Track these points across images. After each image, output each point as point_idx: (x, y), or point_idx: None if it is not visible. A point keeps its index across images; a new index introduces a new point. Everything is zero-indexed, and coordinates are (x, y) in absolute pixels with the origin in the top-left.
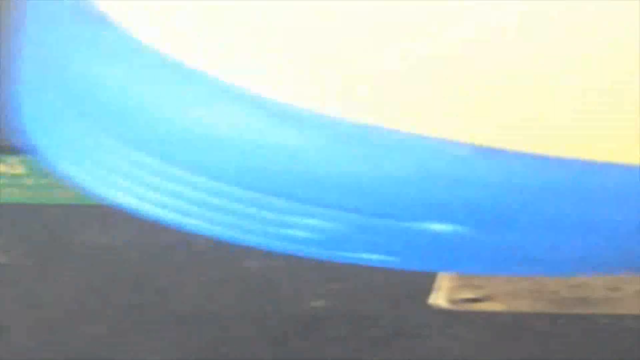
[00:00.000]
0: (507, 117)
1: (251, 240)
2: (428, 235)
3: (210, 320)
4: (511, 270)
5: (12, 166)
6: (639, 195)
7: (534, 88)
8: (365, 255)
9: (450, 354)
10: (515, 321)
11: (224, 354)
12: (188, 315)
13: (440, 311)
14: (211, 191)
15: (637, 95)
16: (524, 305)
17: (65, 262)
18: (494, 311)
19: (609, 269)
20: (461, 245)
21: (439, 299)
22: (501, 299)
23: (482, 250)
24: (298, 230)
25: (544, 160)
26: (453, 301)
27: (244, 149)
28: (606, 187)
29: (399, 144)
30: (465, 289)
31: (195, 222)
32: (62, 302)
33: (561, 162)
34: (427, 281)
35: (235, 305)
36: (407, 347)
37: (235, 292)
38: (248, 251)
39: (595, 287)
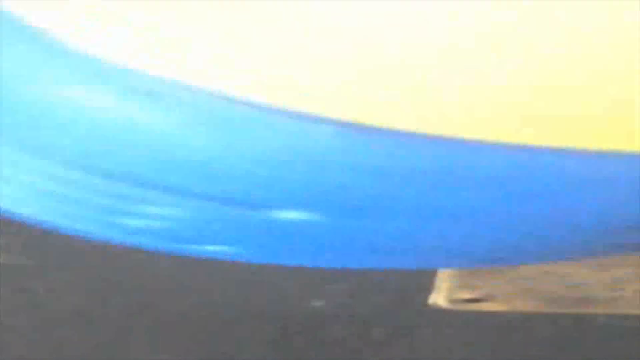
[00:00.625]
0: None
1: (88, 229)
2: (281, 224)
3: (210, 320)
4: (365, 263)
5: None
6: (515, 180)
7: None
8: (210, 248)
9: (450, 354)
10: (515, 321)
11: (224, 354)
12: (188, 315)
13: (440, 311)
14: (48, 175)
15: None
16: (524, 305)
17: (65, 262)
18: (494, 311)
19: (471, 261)
20: (316, 235)
21: (439, 299)
22: (501, 299)
23: (338, 240)
24: (139, 219)
25: (410, 138)
26: (453, 301)
27: (85, 125)
28: (481, 170)
29: (256, 118)
30: (465, 289)
31: (31, 210)
32: (62, 302)
33: (432, 141)
34: (427, 281)
35: (235, 305)
36: (407, 347)
37: (235, 292)
38: None
39: (595, 287)
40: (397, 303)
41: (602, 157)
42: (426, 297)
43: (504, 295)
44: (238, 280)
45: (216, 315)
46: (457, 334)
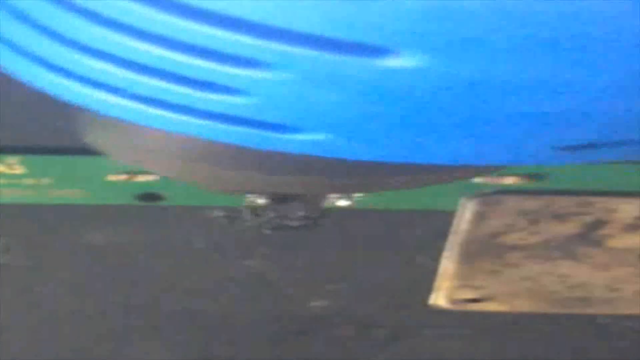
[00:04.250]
0: None
1: None
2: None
3: (211, 320)
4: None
5: (12, 166)
6: None
7: None
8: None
9: (450, 354)
10: (515, 321)
11: (224, 354)
12: (188, 315)
13: (440, 311)
14: None
15: None
16: (524, 305)
17: (65, 262)
18: (494, 311)
19: None
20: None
21: (439, 299)
22: (501, 299)
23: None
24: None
25: None
26: (453, 301)
27: None
28: None
29: None
30: (465, 289)
31: None
32: (62, 302)
33: None
34: (427, 281)
35: (235, 305)
36: (407, 347)
37: (235, 292)
38: (248, 251)
39: (595, 287)
40: (397, 303)
41: None
42: (426, 297)
43: (504, 295)
44: (238, 280)
45: (216, 315)
46: (457, 334)
